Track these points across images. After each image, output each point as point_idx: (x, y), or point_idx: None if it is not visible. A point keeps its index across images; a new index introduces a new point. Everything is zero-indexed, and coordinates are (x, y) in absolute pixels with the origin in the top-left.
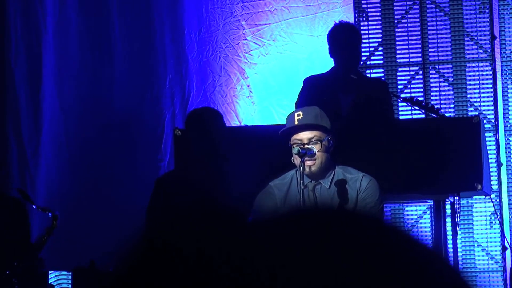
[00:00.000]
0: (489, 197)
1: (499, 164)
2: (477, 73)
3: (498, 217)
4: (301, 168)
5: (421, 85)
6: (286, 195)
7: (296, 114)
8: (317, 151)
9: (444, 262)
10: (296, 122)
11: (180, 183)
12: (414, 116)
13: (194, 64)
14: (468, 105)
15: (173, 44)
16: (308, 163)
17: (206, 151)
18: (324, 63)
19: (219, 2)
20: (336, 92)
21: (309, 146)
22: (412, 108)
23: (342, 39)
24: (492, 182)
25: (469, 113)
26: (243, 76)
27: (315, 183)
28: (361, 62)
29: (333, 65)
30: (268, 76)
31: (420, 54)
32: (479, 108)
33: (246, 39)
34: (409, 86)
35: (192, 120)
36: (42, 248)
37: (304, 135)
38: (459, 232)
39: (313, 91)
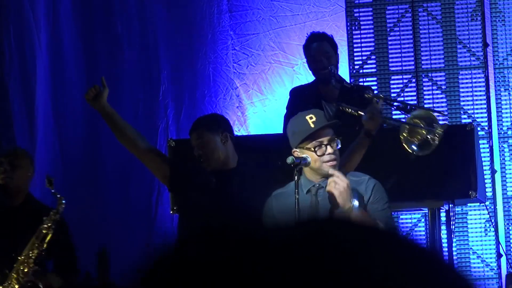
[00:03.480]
0: (483, 204)
1: (493, 171)
2: (470, 80)
3: (493, 224)
4: (296, 177)
5: (414, 93)
6: (285, 204)
7: (308, 117)
8: (335, 150)
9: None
10: (313, 125)
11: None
12: None
13: (186, 74)
14: (462, 112)
15: (167, 54)
16: (331, 163)
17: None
18: None
19: (208, 12)
20: (320, 101)
21: (303, 156)
22: (406, 116)
23: (312, 48)
24: (487, 189)
25: (463, 121)
26: (232, 86)
27: (318, 187)
28: (354, 71)
29: None
30: (256, 86)
31: (412, 62)
32: (473, 115)
33: (234, 49)
34: (402, 94)
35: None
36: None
37: (325, 137)
38: (454, 240)
39: (299, 101)
